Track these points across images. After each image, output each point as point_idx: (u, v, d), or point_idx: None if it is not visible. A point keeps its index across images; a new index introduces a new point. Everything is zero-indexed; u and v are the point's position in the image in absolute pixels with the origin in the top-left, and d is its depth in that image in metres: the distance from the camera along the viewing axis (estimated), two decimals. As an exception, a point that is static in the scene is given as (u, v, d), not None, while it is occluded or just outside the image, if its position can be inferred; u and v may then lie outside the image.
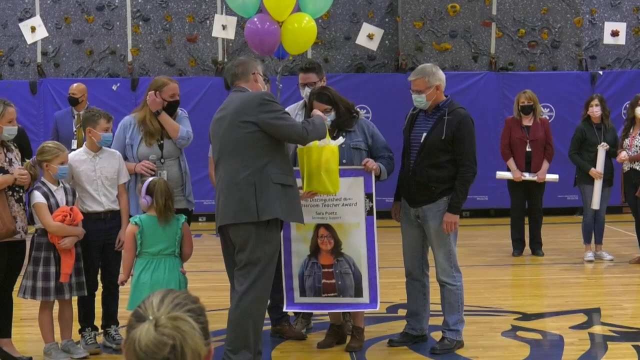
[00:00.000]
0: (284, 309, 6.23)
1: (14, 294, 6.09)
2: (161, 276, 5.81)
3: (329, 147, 5.74)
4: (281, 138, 5.49)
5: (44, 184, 5.99)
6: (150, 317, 1.99)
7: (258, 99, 5.40)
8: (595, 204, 9.47)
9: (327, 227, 6.01)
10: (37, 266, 5.88)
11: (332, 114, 6.12)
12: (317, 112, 5.87)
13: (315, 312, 6.30)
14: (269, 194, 5.30)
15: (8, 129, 5.95)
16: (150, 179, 5.95)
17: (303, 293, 6.06)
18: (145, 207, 5.86)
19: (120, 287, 6.26)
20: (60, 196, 6.01)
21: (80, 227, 5.97)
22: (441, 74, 6.15)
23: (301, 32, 8.55)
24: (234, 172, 5.35)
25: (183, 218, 5.93)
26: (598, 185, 9.43)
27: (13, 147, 6.05)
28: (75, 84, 9.79)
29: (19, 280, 6.04)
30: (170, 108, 6.46)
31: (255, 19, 8.51)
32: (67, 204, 6.01)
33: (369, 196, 5.98)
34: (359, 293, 5.99)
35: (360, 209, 5.98)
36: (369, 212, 5.98)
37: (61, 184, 6.07)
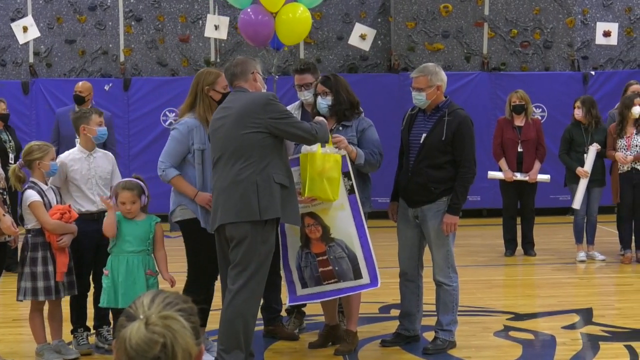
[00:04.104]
0: (287, 304, 6.11)
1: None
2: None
3: (332, 156, 5.75)
4: (290, 138, 5.53)
5: (35, 183, 5.97)
6: (141, 316, 1.99)
7: (263, 101, 5.38)
8: (577, 204, 9.42)
9: (312, 215, 5.92)
10: (36, 266, 5.85)
11: (329, 97, 6.10)
12: (319, 118, 5.84)
13: (318, 300, 6.06)
14: (270, 193, 5.31)
15: None
16: (137, 180, 5.94)
17: (305, 285, 5.96)
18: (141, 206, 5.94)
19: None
20: (51, 195, 6.00)
21: (74, 225, 5.96)
22: (443, 75, 6.15)
23: (296, 22, 8.48)
24: (235, 171, 5.33)
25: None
26: (582, 184, 9.40)
27: None
28: (81, 82, 9.44)
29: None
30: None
31: (249, 10, 8.47)
32: (56, 203, 6.00)
33: (346, 175, 5.88)
34: (357, 275, 5.87)
35: (341, 189, 5.87)
36: (350, 191, 5.89)
37: (49, 185, 6.05)
